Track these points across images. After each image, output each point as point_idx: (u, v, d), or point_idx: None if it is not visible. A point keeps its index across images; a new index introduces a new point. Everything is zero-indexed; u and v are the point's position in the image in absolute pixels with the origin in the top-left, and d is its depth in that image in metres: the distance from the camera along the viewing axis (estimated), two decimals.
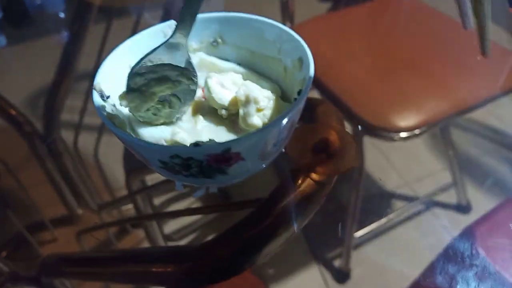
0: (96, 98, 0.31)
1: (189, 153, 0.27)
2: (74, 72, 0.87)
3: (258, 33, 0.36)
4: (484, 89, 0.84)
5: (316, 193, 0.36)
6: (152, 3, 0.86)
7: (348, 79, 0.87)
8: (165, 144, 0.30)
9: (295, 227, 0.36)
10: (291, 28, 0.94)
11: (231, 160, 0.28)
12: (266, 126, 0.28)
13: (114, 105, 0.32)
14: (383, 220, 1.06)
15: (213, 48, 0.39)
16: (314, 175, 0.36)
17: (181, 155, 0.27)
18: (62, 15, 1.12)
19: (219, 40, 0.38)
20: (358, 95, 0.84)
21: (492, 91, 0.83)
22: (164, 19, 0.86)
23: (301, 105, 0.29)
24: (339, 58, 0.90)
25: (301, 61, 0.33)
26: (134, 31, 0.91)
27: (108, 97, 0.32)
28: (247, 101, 0.33)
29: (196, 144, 0.27)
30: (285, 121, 0.28)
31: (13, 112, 0.86)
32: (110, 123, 0.29)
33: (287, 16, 1.04)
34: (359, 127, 0.79)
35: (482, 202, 1.07)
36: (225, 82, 0.34)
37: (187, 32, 0.33)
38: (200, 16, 0.37)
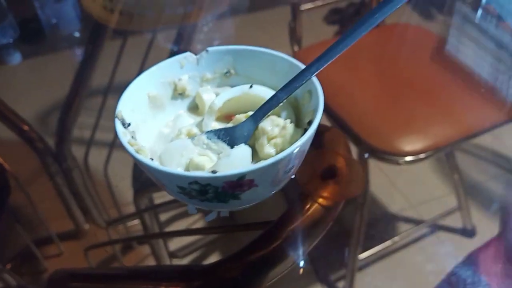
0: (118, 126, 0.33)
1: (207, 180, 0.29)
2: (87, 90, 0.89)
3: (269, 65, 0.38)
4: (489, 115, 0.85)
5: (323, 217, 0.38)
6: (166, 26, 0.89)
7: (355, 103, 0.89)
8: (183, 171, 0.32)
9: (302, 251, 0.37)
10: (299, 51, 0.97)
11: (245, 187, 0.30)
12: (277, 156, 0.29)
13: (134, 132, 0.35)
14: (387, 243, 1.06)
15: (226, 78, 0.41)
16: (321, 200, 0.38)
17: (200, 182, 0.29)
18: (77, 34, 1.15)
19: (232, 71, 0.40)
20: (365, 119, 0.86)
21: (496, 118, 0.84)
22: (176, 41, 0.89)
23: (311, 135, 0.31)
24: (346, 82, 0.92)
25: (311, 93, 0.35)
26: (147, 53, 0.94)
27: (129, 124, 0.34)
28: (257, 132, 0.35)
29: (214, 171, 0.28)
30: (295, 150, 0.30)
31: (26, 128, 0.88)
32: (132, 149, 0.31)
33: (295, 40, 1.07)
34: (366, 154, 0.80)
35: (487, 227, 1.07)
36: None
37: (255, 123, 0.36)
38: (214, 48, 0.40)
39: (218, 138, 0.35)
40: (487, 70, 0.84)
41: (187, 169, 0.33)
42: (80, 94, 0.89)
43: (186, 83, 0.40)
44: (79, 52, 0.99)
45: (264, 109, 0.35)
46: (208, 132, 0.36)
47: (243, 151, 0.33)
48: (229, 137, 0.35)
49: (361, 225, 0.95)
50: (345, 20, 1.61)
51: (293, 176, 0.35)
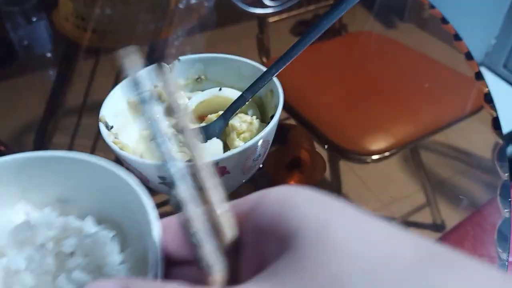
0: (102, 128, 0.37)
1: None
2: (63, 109, 0.91)
3: (236, 70, 0.43)
4: (447, 113, 0.91)
5: None
6: (138, 43, 0.92)
7: (321, 108, 0.93)
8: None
9: None
10: (267, 62, 1.03)
11: (219, 173, 0.33)
12: (245, 145, 0.33)
13: (117, 134, 0.38)
14: None
15: (198, 83, 0.45)
16: None
17: None
18: (49, 55, 1.16)
19: (203, 77, 0.45)
20: (331, 122, 0.90)
21: (453, 115, 0.90)
22: (149, 56, 0.92)
23: (273, 127, 0.35)
24: (312, 88, 0.96)
25: (272, 92, 0.40)
26: (120, 70, 0.97)
27: (112, 127, 0.38)
28: (228, 129, 0.39)
29: (189, 160, 0.32)
30: (260, 141, 0.34)
31: (3, 148, 0.89)
32: (116, 147, 0.34)
33: (263, 51, 1.12)
34: (326, 146, 0.85)
35: (456, 221, 1.12)
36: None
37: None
38: (185, 57, 0.44)
39: None
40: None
41: None
42: (55, 113, 0.91)
43: (161, 90, 0.44)
44: (52, 73, 1.01)
45: (233, 108, 0.39)
46: None
47: (215, 143, 0.37)
48: (203, 134, 0.39)
49: None
50: None
51: (261, 166, 0.39)
